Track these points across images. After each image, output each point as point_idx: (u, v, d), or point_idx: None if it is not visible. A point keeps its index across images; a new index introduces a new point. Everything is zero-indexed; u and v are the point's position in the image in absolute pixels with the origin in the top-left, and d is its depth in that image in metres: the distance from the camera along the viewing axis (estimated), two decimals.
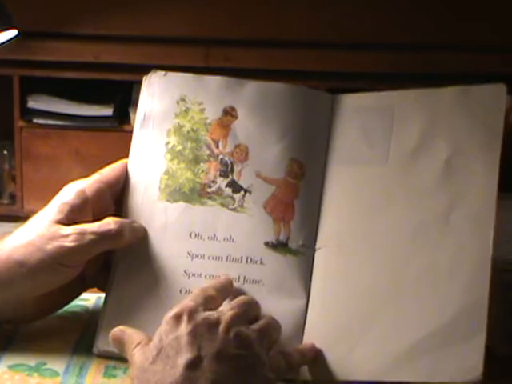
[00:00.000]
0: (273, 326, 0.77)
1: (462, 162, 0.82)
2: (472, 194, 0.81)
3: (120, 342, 0.76)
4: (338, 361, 0.79)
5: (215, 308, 0.77)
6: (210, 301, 0.76)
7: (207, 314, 0.73)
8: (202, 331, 0.71)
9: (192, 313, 0.73)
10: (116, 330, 0.77)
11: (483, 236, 0.79)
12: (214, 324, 0.72)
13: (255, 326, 0.75)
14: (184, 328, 0.71)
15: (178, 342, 0.70)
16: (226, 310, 0.75)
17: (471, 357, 0.75)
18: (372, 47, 1.84)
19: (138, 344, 0.74)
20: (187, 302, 0.75)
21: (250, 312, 0.76)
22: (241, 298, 0.78)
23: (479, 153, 0.81)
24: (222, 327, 0.72)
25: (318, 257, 0.83)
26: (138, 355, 0.73)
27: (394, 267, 0.81)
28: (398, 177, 0.83)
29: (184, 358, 0.69)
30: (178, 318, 0.72)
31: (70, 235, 0.80)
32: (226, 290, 0.80)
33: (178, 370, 0.69)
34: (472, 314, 0.77)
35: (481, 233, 0.79)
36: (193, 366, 0.69)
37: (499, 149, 0.81)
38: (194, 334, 0.71)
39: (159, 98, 0.88)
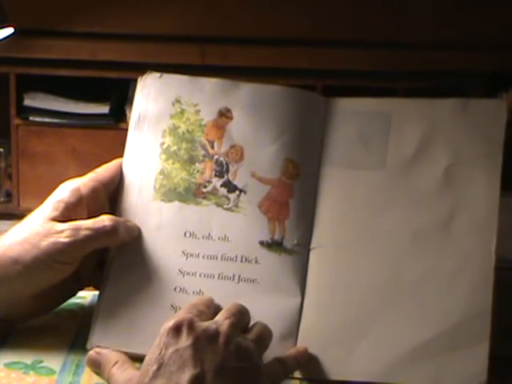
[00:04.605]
0: (266, 334, 0.77)
1: (462, 172, 0.83)
2: (474, 202, 0.82)
3: (96, 363, 0.77)
4: (335, 361, 0.79)
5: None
6: (202, 315, 0.76)
7: (206, 324, 0.72)
8: (203, 344, 0.70)
9: (191, 323, 0.72)
10: (91, 353, 0.78)
11: (486, 244, 0.80)
12: (213, 335, 0.71)
13: (252, 336, 0.75)
14: (185, 340, 0.70)
15: (180, 355, 0.70)
16: (222, 319, 0.74)
17: (475, 363, 0.76)
18: (367, 46, 1.85)
19: (116, 363, 0.75)
20: (184, 312, 0.74)
21: (243, 320, 0.77)
22: (233, 306, 0.77)
23: (480, 163, 0.83)
24: (222, 339, 0.71)
25: (313, 256, 0.83)
26: (118, 374, 0.73)
27: (393, 269, 0.81)
28: (397, 182, 0.84)
29: (188, 373, 0.68)
30: (177, 328, 0.71)
31: (64, 231, 0.80)
32: (212, 307, 0.79)
33: None
34: (475, 321, 0.77)
35: (483, 240, 0.80)
36: (197, 381, 0.68)
37: (500, 161, 0.82)
38: (196, 348, 0.70)
39: (154, 100, 0.88)
